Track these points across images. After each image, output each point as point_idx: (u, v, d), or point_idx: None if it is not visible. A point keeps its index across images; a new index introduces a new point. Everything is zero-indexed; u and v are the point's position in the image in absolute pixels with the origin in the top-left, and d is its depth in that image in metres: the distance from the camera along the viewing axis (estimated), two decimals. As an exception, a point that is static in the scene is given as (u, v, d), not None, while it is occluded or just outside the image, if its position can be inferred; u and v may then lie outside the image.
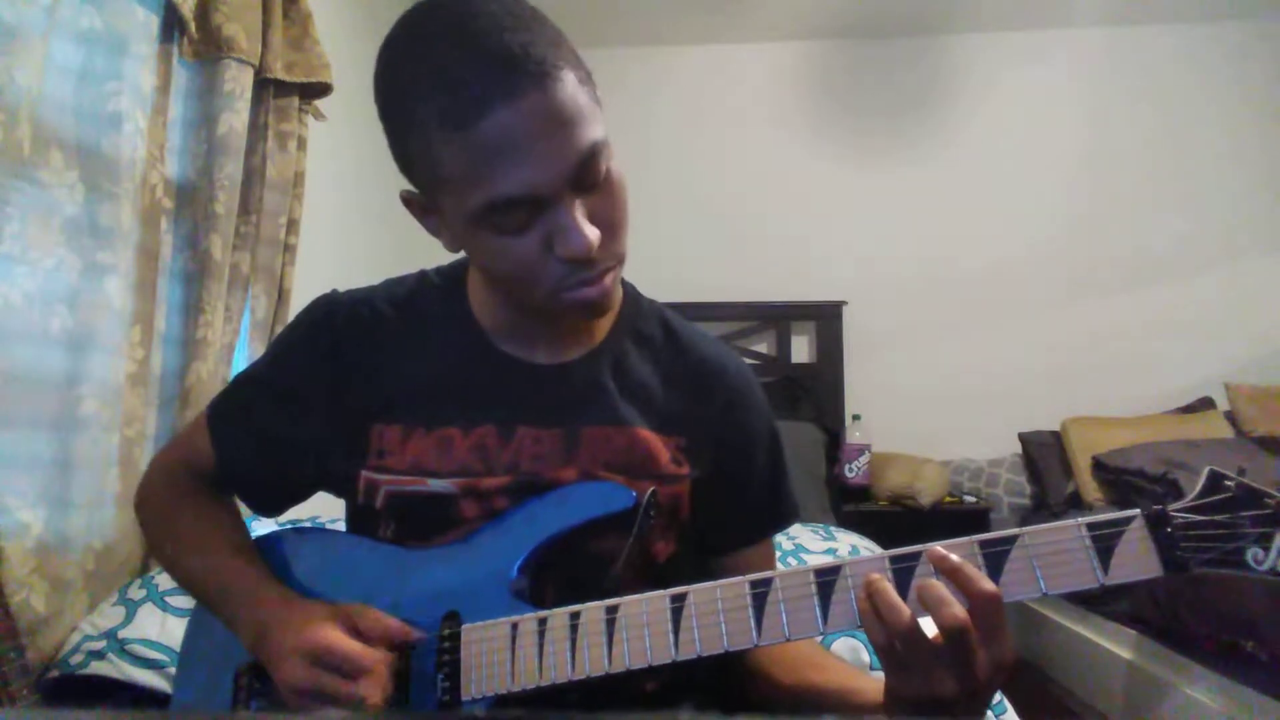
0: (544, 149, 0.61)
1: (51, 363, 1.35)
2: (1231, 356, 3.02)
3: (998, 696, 1.18)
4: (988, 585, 0.55)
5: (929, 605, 0.56)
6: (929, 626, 0.57)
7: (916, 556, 0.59)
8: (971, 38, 3.28)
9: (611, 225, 0.67)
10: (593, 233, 0.64)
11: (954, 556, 0.57)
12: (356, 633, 0.67)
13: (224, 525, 0.83)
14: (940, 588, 0.56)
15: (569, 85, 0.62)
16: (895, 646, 0.57)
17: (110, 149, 1.43)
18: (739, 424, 0.82)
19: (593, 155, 0.63)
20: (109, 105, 1.43)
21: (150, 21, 1.53)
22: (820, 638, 0.70)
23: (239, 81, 1.67)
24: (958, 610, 0.55)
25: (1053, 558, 0.57)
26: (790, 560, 1.56)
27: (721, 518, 0.81)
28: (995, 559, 0.58)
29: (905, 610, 0.56)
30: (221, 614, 0.77)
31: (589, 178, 0.64)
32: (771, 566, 0.84)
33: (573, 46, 0.65)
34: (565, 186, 0.63)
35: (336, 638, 0.65)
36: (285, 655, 0.66)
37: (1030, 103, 3.24)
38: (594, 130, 0.63)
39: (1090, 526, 0.57)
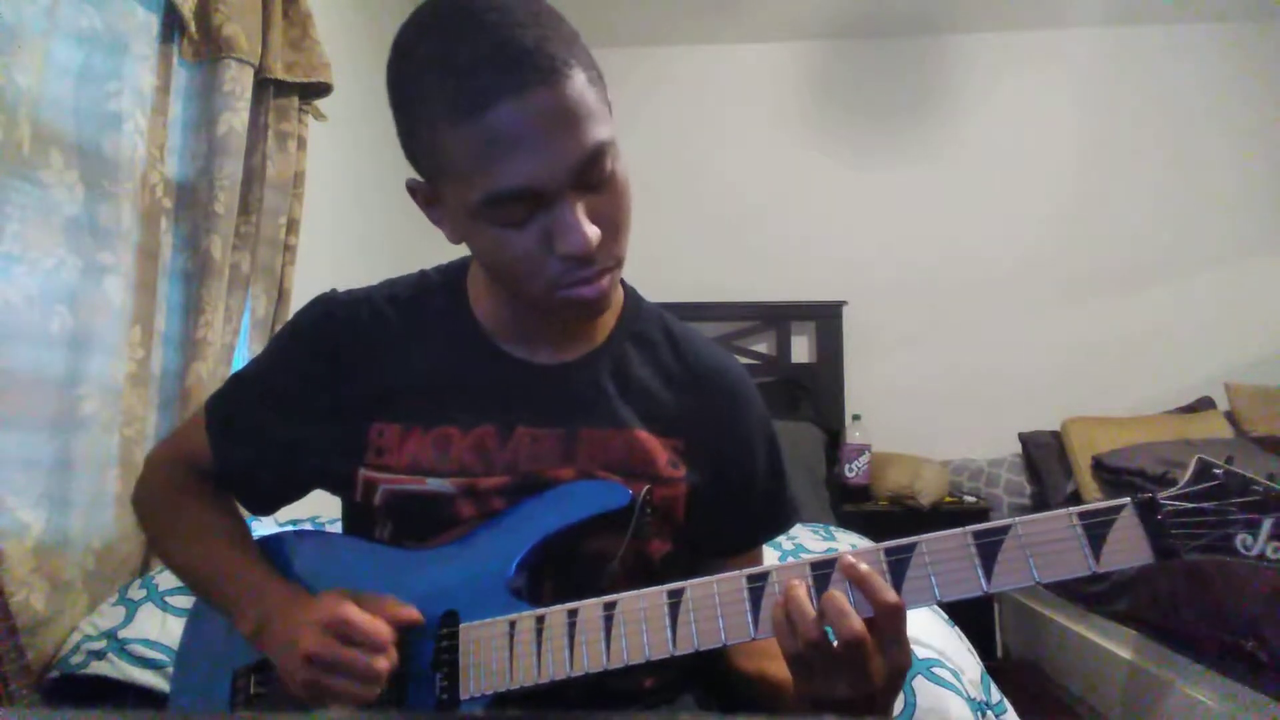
0: (548, 145, 0.61)
1: (51, 363, 1.35)
2: (1231, 356, 3.02)
3: (997, 696, 1.18)
4: (891, 596, 0.59)
5: (831, 616, 0.59)
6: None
7: (910, 549, 0.60)
8: (971, 38, 3.28)
9: (613, 226, 0.67)
10: (592, 231, 0.64)
11: (862, 565, 0.60)
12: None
13: (225, 520, 0.83)
14: (842, 599, 0.60)
15: (578, 84, 0.62)
16: (803, 652, 0.60)
17: (110, 149, 1.43)
18: (738, 428, 0.82)
19: (597, 155, 0.63)
20: (109, 105, 1.43)
21: (150, 21, 1.53)
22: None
23: (239, 81, 1.67)
24: (855, 623, 0.58)
25: (1045, 547, 0.58)
26: (790, 560, 1.56)
27: (720, 522, 0.81)
28: (988, 549, 0.59)
29: (815, 617, 0.59)
30: (222, 606, 0.77)
31: (592, 177, 0.64)
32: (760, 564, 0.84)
33: (586, 46, 0.66)
34: (567, 184, 0.63)
35: (353, 610, 0.66)
36: (298, 627, 0.66)
37: (1030, 103, 3.24)
38: (600, 130, 0.64)
39: (1081, 515, 0.58)
